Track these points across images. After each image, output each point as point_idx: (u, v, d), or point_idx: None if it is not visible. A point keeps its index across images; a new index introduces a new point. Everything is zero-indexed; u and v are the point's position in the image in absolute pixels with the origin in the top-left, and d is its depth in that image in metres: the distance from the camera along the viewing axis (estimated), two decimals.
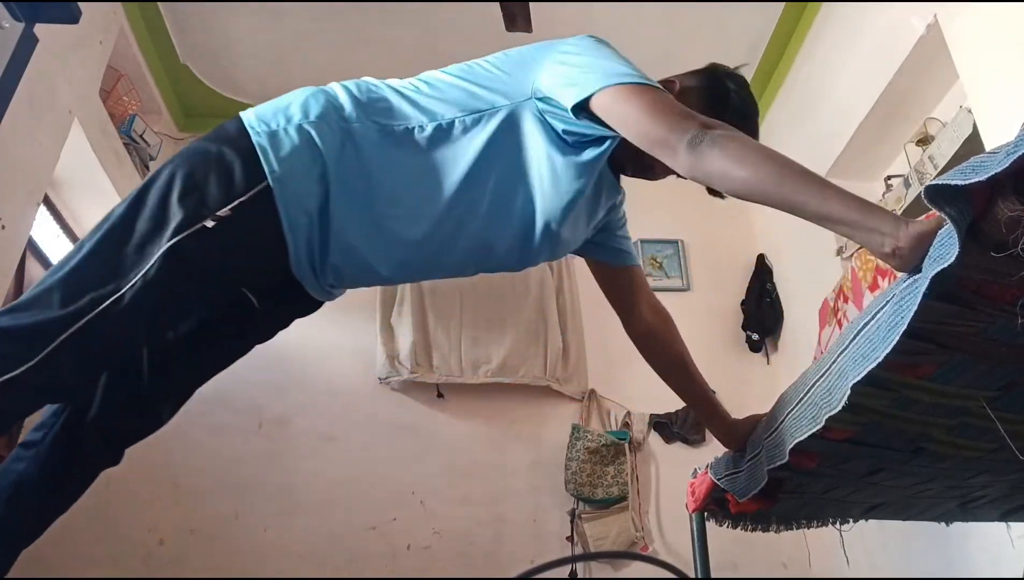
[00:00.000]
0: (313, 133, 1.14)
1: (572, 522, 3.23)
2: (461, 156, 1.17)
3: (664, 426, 3.51)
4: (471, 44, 3.59)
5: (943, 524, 1.81)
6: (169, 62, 3.69)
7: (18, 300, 1.10)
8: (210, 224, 1.07)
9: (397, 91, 1.22)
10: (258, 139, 1.12)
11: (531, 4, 2.90)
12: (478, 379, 3.49)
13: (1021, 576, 1.95)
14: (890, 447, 1.20)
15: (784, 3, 3.45)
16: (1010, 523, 1.84)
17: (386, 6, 3.36)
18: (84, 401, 1.21)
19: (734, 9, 3.42)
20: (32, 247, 3.13)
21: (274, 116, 1.16)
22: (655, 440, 3.52)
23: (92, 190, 3.29)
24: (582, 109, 1.14)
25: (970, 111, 2.34)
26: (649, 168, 1.27)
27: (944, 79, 2.70)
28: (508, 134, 1.18)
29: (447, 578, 3.11)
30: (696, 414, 1.57)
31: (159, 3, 3.40)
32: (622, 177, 1.38)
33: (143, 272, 1.06)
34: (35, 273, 3.23)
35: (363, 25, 3.48)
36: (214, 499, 3.16)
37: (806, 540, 3.25)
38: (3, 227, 2.45)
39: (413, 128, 1.17)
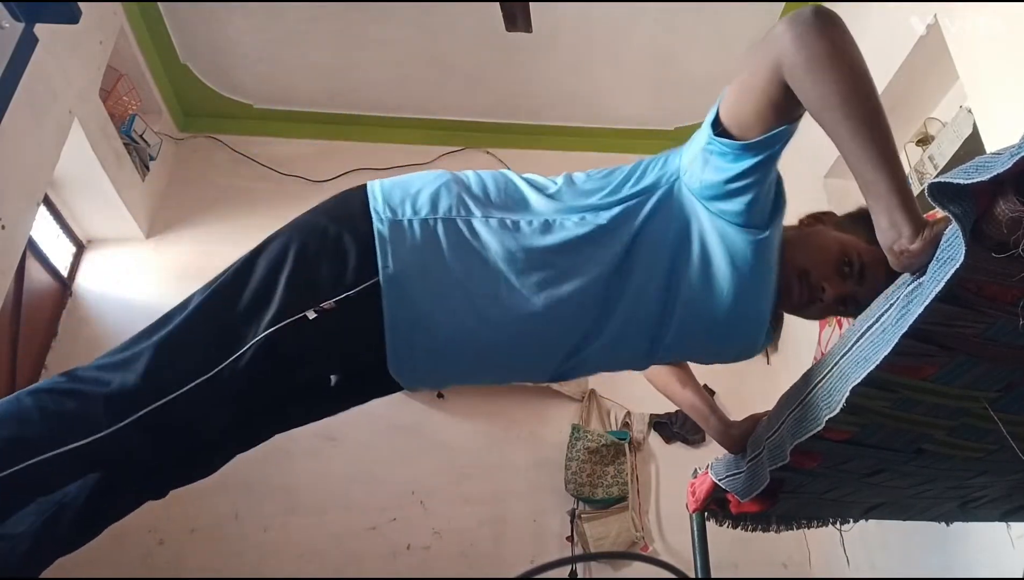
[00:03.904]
0: (439, 230, 1.06)
1: (572, 522, 3.23)
2: (600, 254, 1.07)
3: (664, 426, 3.52)
4: (471, 44, 3.64)
5: (943, 524, 1.81)
6: (169, 62, 3.68)
7: (105, 357, 1.04)
8: (311, 316, 1.01)
9: (534, 185, 1.14)
10: (380, 227, 1.05)
11: (531, 4, 2.90)
12: None
13: (1021, 576, 1.95)
14: (891, 448, 1.20)
15: (784, 3, 3.45)
16: (1010, 523, 1.84)
17: (386, 6, 3.36)
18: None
19: (734, 9, 3.42)
20: (32, 247, 3.13)
21: (401, 203, 1.09)
22: (655, 440, 3.52)
23: (92, 190, 3.29)
24: (728, 145, 1.01)
25: (970, 111, 2.34)
26: (806, 298, 1.15)
27: (944, 79, 2.70)
28: (653, 227, 1.07)
29: (447, 578, 3.11)
30: (694, 418, 1.53)
31: (159, 3, 3.40)
32: None
33: (234, 358, 1.01)
34: (35, 273, 3.23)
35: (363, 25, 3.47)
36: (214, 499, 3.15)
37: (806, 540, 3.26)
38: (3, 227, 2.45)
39: (551, 222, 1.08)
